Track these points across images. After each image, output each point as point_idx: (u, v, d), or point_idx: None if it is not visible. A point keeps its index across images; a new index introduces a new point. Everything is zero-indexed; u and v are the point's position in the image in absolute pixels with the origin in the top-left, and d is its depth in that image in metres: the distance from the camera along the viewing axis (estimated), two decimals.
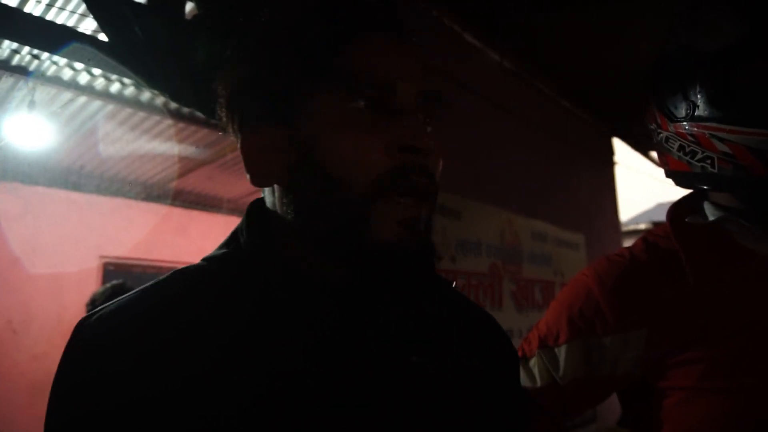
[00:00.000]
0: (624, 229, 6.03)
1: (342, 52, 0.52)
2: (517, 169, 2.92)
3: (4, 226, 4.51)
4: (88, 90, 3.23)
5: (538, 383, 0.89)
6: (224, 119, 0.58)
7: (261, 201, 0.60)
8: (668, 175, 0.90)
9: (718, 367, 0.75)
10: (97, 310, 0.49)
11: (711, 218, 0.86)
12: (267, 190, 0.58)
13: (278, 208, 0.55)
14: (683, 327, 0.79)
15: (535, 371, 0.89)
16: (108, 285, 2.31)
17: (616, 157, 4.23)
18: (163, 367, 0.43)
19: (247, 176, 0.56)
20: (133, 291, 0.51)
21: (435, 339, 0.56)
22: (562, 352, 0.87)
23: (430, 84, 0.56)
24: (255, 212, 0.58)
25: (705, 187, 0.85)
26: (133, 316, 0.48)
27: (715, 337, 0.76)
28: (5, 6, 1.37)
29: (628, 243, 0.99)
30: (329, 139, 0.51)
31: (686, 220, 0.88)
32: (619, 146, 4.27)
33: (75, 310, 4.88)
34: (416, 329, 0.54)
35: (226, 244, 0.58)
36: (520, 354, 0.93)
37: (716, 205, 0.87)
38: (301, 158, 0.52)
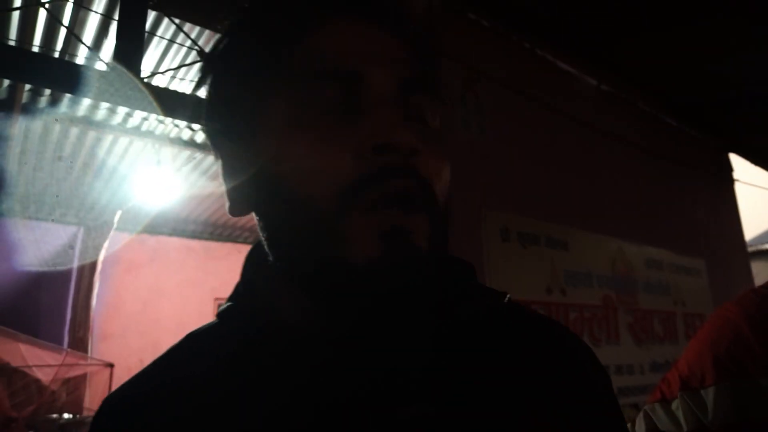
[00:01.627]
0: (751, 249, 5.49)
1: (301, 43, 0.43)
2: (624, 194, 2.79)
3: (135, 274, 5.01)
4: (204, 146, 3.56)
5: (684, 428, 0.84)
6: (209, 145, 0.50)
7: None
8: None
9: None
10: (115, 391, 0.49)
11: None
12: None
13: (262, 241, 0.46)
14: None
15: (679, 414, 0.84)
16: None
17: (735, 174, 3.90)
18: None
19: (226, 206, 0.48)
20: (147, 366, 0.50)
21: (451, 378, 0.43)
22: (710, 395, 0.81)
23: (419, 71, 0.44)
24: (250, 254, 0.50)
25: None
26: (142, 387, 0.46)
27: None
28: (144, 82, 1.57)
29: (756, 265, 0.91)
30: (289, 150, 0.41)
31: None
32: (737, 162, 3.95)
33: None
34: (425, 369, 0.43)
35: (230, 296, 0.51)
36: (658, 395, 0.88)
37: None
38: (265, 176, 0.43)
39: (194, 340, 0.49)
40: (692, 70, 2.82)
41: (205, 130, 0.49)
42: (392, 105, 0.41)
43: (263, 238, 0.45)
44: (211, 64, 0.47)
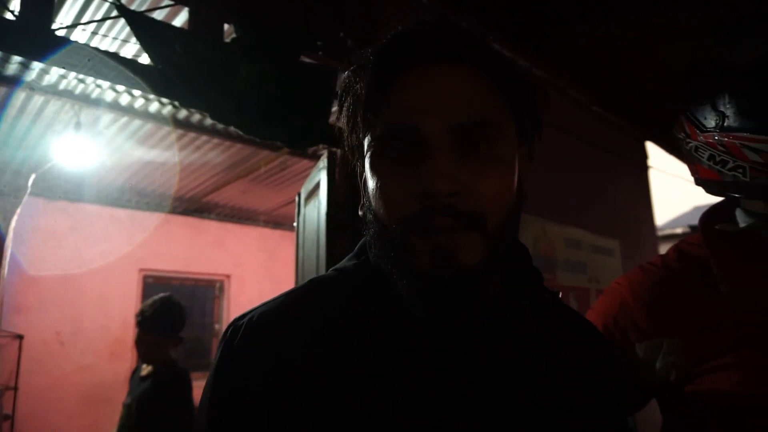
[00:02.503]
0: (660, 233, 5.90)
1: (381, 99, 0.55)
2: (549, 176, 2.91)
3: (54, 243, 4.72)
4: (129, 110, 3.37)
5: None
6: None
7: None
8: (698, 183, 0.90)
9: (754, 372, 0.75)
10: (246, 314, 0.57)
11: (742, 225, 0.86)
12: None
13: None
14: (717, 333, 0.79)
15: None
16: (156, 297, 2.41)
17: (651, 161, 4.16)
18: (308, 367, 0.52)
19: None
20: (276, 297, 0.59)
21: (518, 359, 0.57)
22: None
23: (474, 111, 0.53)
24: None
25: (737, 195, 0.85)
26: (280, 320, 0.55)
27: (750, 343, 0.76)
28: (55, 35, 1.47)
29: (664, 248, 0.99)
30: (371, 182, 0.56)
31: (717, 227, 0.89)
32: (654, 150, 4.21)
33: (118, 322, 5.06)
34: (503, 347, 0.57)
35: (357, 255, 0.64)
36: None
37: (748, 212, 0.87)
38: (364, 194, 0.59)
39: (327, 290, 0.60)
40: (621, 61, 2.95)
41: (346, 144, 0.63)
42: (442, 150, 0.52)
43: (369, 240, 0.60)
44: (340, 101, 0.62)
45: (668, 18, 2.43)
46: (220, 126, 3.48)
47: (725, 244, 0.86)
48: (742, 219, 0.88)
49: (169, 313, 2.38)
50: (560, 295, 0.64)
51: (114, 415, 4.76)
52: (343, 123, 0.62)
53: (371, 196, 0.56)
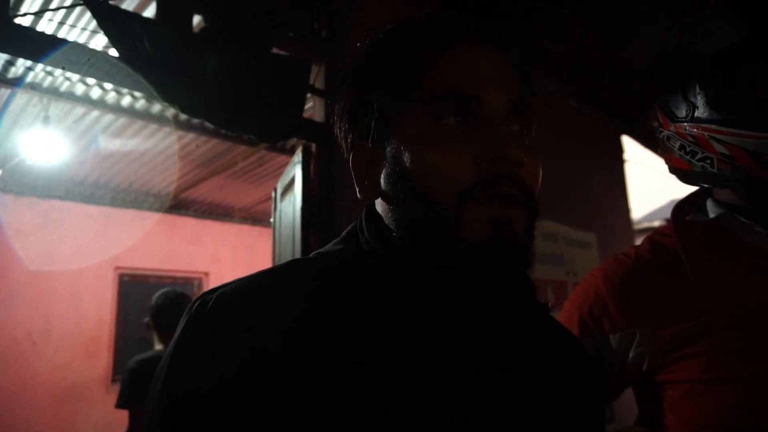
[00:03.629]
0: (638, 227, 5.98)
1: (429, 67, 0.53)
2: None
3: (23, 240, 4.60)
4: (101, 104, 3.29)
5: None
6: (339, 138, 0.62)
7: (372, 207, 0.61)
8: (671, 171, 0.91)
9: (718, 358, 0.76)
10: (216, 288, 0.51)
11: (712, 215, 0.87)
12: (377, 200, 0.61)
13: (385, 218, 0.58)
14: (685, 322, 0.80)
15: None
16: (170, 292, 2.46)
17: (626, 155, 4.21)
18: (276, 354, 0.45)
19: (357, 189, 0.60)
20: (251, 274, 0.53)
21: (537, 351, 0.56)
22: None
23: (524, 92, 0.55)
24: (374, 217, 0.59)
25: (706, 185, 0.86)
26: (252, 299, 0.49)
27: (716, 331, 0.77)
28: (18, 25, 1.41)
29: (640, 240, 1.00)
30: (417, 154, 0.52)
31: (687, 218, 0.89)
32: (630, 144, 4.26)
33: (93, 321, 4.96)
34: (520, 340, 0.55)
35: (344, 240, 0.60)
36: None
37: (718, 202, 0.88)
38: (394, 172, 0.54)
39: (309, 271, 0.54)
40: (595, 53, 2.97)
41: (339, 126, 0.61)
42: (504, 122, 0.52)
43: (392, 220, 0.55)
44: (351, 74, 0.60)
45: (640, 7, 2.44)
46: (195, 121, 3.42)
47: (694, 235, 0.86)
48: (712, 209, 0.88)
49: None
50: (550, 306, 0.64)
51: (90, 414, 4.69)
52: (355, 95, 0.59)
53: (413, 167, 0.52)
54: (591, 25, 2.68)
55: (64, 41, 1.48)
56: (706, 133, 0.79)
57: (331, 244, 0.60)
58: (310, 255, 0.59)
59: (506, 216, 0.50)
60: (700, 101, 0.80)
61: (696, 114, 0.80)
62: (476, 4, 2.45)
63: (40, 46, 1.43)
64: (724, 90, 0.78)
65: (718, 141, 0.78)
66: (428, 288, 0.52)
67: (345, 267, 0.55)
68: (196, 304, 0.49)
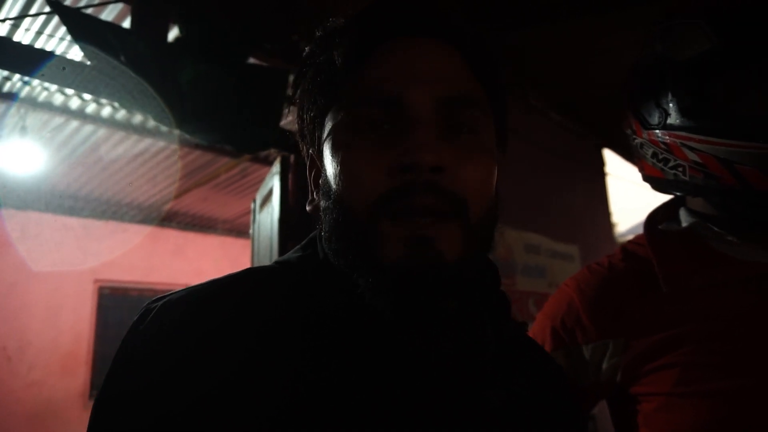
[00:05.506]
0: (621, 240, 6.01)
1: (354, 69, 0.49)
2: (507, 181, 2.92)
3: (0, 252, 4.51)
4: (80, 115, 3.25)
5: None
6: (301, 149, 0.60)
7: None
8: (644, 179, 0.90)
9: (692, 371, 0.74)
10: (164, 296, 0.49)
11: (684, 224, 0.86)
12: None
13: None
14: (657, 333, 0.79)
15: None
16: None
17: (608, 168, 4.25)
18: (215, 359, 0.43)
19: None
20: (202, 283, 0.51)
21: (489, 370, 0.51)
22: None
23: (465, 86, 0.49)
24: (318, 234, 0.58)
25: (678, 193, 0.85)
26: (196, 307, 0.47)
27: (689, 343, 0.76)
28: None
29: None
30: (335, 164, 0.49)
31: (660, 227, 0.89)
32: (611, 157, 4.30)
33: (70, 336, 4.86)
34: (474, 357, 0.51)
35: (303, 248, 0.56)
36: None
37: (691, 211, 0.87)
38: (323, 183, 0.52)
39: (261, 280, 0.52)
40: (573, 67, 3.00)
41: (297, 130, 0.58)
42: (426, 124, 0.46)
43: (323, 233, 0.52)
44: (297, 78, 0.57)
45: (618, 21, 2.48)
46: (178, 131, 3.38)
47: (667, 244, 0.86)
48: (684, 218, 0.88)
49: None
50: (528, 328, 0.60)
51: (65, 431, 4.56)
52: (300, 104, 0.56)
53: (332, 177, 0.49)
54: (565, 38, 2.71)
55: (41, 51, 1.46)
56: (678, 141, 0.78)
57: (291, 251, 0.58)
58: (270, 263, 0.57)
59: (426, 234, 0.45)
60: (672, 108, 0.79)
61: (668, 121, 0.80)
62: (459, 11, 2.47)
63: (17, 57, 1.41)
64: (697, 97, 0.77)
65: (690, 148, 0.77)
66: (360, 308, 0.48)
67: (299, 276, 0.52)
68: (141, 312, 0.48)
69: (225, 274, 0.52)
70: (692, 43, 0.78)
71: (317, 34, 0.55)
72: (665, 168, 0.82)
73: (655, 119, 0.82)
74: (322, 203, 0.51)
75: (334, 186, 0.49)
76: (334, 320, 0.47)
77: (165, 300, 0.48)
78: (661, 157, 0.83)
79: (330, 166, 0.49)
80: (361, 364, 0.46)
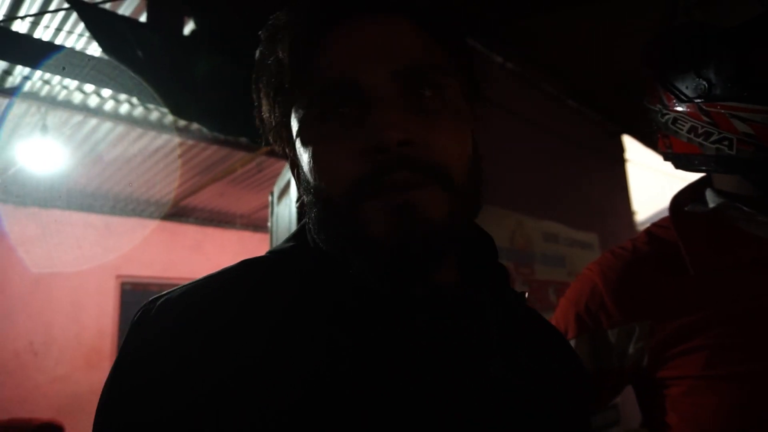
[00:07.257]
0: (643, 227, 5.92)
1: (309, 58, 0.49)
2: (525, 170, 2.90)
3: (24, 250, 4.60)
4: (99, 112, 3.29)
5: None
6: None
7: None
8: (669, 158, 0.87)
9: (721, 354, 0.73)
10: (163, 294, 0.49)
11: (711, 205, 0.83)
12: None
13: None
14: (685, 316, 0.77)
15: None
16: None
17: (628, 155, 4.18)
18: (219, 355, 0.43)
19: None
20: (200, 278, 0.51)
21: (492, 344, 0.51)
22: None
23: (413, 59, 0.48)
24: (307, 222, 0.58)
25: (714, 171, 0.82)
26: (196, 303, 0.47)
27: (717, 325, 0.74)
28: (15, 33, 1.41)
29: None
30: (308, 156, 0.49)
31: (686, 209, 0.86)
32: (631, 144, 4.22)
33: (94, 331, 4.95)
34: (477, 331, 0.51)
35: (294, 237, 0.57)
36: None
37: (719, 191, 0.84)
38: (301, 176, 0.52)
39: (256, 271, 0.52)
40: (590, 53, 2.95)
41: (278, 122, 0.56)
42: (387, 100, 0.46)
43: (310, 223, 0.52)
44: (253, 84, 0.56)
45: (635, 6, 2.43)
46: (194, 127, 3.41)
47: (693, 226, 0.83)
48: (711, 199, 0.85)
49: None
50: (527, 296, 0.58)
51: (91, 427, 4.64)
52: (262, 105, 0.55)
53: (308, 172, 0.49)
54: (582, 24, 2.66)
55: (61, 47, 1.48)
56: (726, 111, 0.74)
57: (283, 241, 0.58)
58: (264, 254, 0.57)
59: (407, 203, 0.45)
60: (717, 78, 0.75)
61: (713, 92, 0.75)
62: (469, 7, 2.44)
63: (37, 53, 1.42)
64: (748, 64, 0.73)
65: (741, 119, 0.73)
66: (354, 288, 0.48)
67: (292, 264, 0.52)
68: (140, 312, 0.48)
69: (220, 269, 0.52)
70: (741, 8, 0.74)
71: (261, 35, 0.54)
72: (706, 143, 0.77)
73: (694, 91, 0.77)
74: (305, 198, 0.52)
75: (312, 180, 0.49)
76: (335, 305, 0.47)
77: (164, 298, 0.48)
78: (701, 131, 0.77)
79: (304, 161, 0.50)
80: (367, 345, 0.46)
